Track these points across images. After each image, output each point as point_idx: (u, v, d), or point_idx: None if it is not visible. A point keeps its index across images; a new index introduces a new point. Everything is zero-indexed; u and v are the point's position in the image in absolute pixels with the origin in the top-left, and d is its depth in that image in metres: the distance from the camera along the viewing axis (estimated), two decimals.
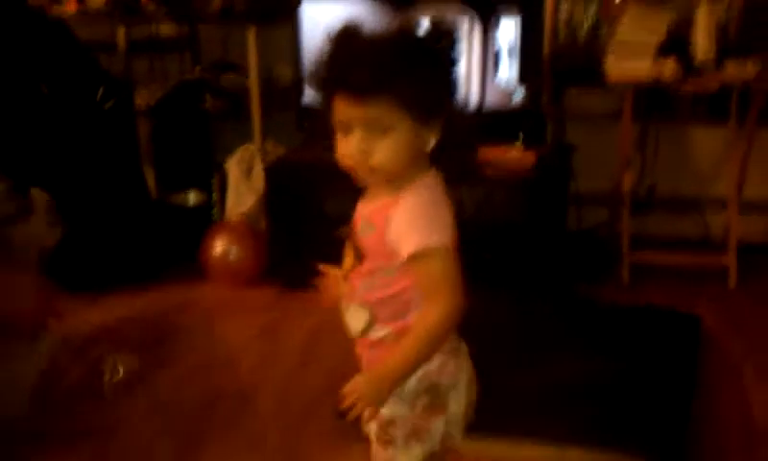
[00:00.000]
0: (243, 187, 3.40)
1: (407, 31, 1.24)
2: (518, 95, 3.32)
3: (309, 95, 3.41)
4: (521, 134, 3.21)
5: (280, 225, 3.33)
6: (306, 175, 3.20)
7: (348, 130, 1.22)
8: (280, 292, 3.25)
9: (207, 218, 3.56)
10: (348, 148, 1.23)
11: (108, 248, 3.27)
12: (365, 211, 1.32)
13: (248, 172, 3.41)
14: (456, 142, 1.26)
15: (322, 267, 1.46)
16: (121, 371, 2.44)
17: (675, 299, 3.10)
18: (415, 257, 1.24)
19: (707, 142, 3.59)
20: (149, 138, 3.60)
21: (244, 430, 2.22)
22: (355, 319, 1.37)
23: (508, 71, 3.28)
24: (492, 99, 3.31)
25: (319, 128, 1.27)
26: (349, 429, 1.99)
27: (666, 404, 2.17)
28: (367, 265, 1.32)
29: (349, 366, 2.63)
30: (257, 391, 2.46)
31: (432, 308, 1.27)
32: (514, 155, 3.18)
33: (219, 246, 3.30)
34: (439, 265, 1.25)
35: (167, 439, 2.18)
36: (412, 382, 1.32)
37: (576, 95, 3.48)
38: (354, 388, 1.28)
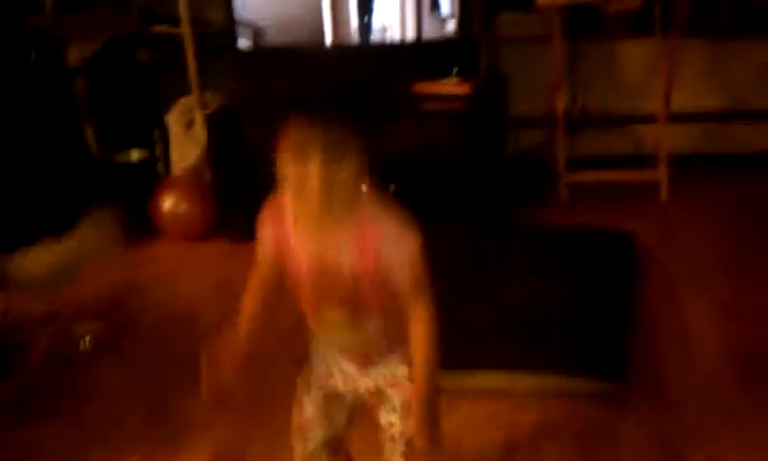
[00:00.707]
0: (185, 141, 3.40)
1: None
2: (451, 24, 3.38)
3: (243, 39, 3.42)
4: (456, 67, 3.27)
5: (226, 175, 3.37)
6: (248, 122, 3.22)
7: (305, 153, 1.22)
8: (232, 243, 3.31)
9: (152, 174, 3.56)
10: (310, 168, 1.22)
11: (51, 211, 3.26)
12: (322, 245, 1.33)
13: (189, 124, 3.41)
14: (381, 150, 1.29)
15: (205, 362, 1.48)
16: (87, 339, 2.49)
17: (611, 215, 3.26)
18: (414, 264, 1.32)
19: (634, 57, 3.70)
20: (85, 96, 3.55)
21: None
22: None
23: (442, 1, 3.34)
24: (428, 30, 3.37)
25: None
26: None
27: (607, 322, 2.32)
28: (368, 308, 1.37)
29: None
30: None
31: (423, 318, 1.36)
32: (449, 87, 3.25)
33: (167, 202, 3.32)
34: (421, 264, 1.34)
35: (139, 399, 2.25)
36: None
37: (507, 20, 3.56)
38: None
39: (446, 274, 2.63)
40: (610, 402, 2.05)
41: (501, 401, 2.09)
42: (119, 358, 2.48)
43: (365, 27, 3.42)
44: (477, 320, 2.35)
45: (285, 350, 2.45)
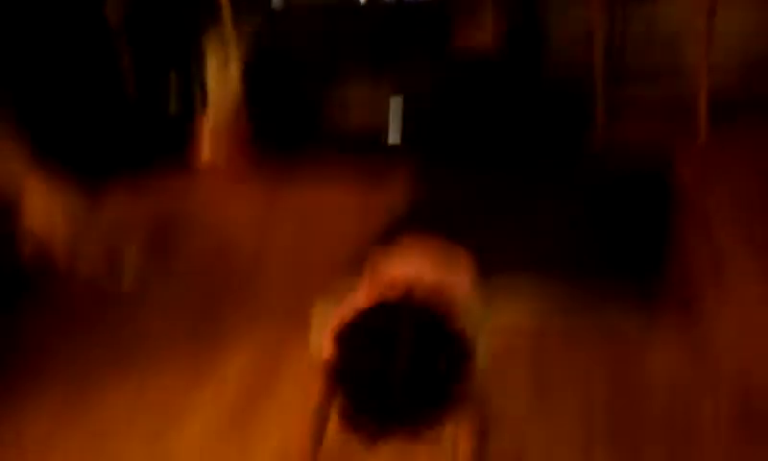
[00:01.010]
0: (221, 78, 3.44)
1: None
2: None
3: None
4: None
5: (264, 114, 3.43)
6: (286, 60, 3.26)
7: None
8: (272, 183, 3.38)
9: (189, 115, 3.57)
10: None
11: (95, 151, 3.31)
12: None
13: (225, 61, 3.44)
14: None
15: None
16: (132, 266, 2.57)
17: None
18: None
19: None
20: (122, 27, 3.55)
21: (256, 304, 2.40)
22: None
23: None
24: None
25: None
26: None
27: (639, 260, 2.35)
28: None
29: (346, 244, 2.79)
30: (262, 270, 2.62)
31: None
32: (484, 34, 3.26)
33: (205, 148, 3.38)
34: None
35: (185, 320, 2.34)
36: None
37: None
38: None
39: (479, 211, 2.71)
40: (639, 339, 2.08)
41: (527, 338, 2.13)
42: (165, 279, 2.57)
43: None
44: (507, 257, 2.39)
45: (328, 270, 2.53)
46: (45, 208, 2.33)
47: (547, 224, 2.56)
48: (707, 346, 1.96)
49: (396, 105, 3.27)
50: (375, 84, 3.32)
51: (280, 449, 1.79)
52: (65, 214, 2.41)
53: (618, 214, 2.64)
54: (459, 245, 1.57)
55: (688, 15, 3.52)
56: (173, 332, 2.24)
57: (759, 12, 3.55)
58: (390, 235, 2.58)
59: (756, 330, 2.05)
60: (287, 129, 3.43)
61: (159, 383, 1.99)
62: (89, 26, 3.30)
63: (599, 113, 3.48)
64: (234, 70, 3.42)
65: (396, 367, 1.25)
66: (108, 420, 1.89)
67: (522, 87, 3.26)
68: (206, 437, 1.82)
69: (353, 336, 1.30)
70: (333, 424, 1.42)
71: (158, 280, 2.54)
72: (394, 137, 3.29)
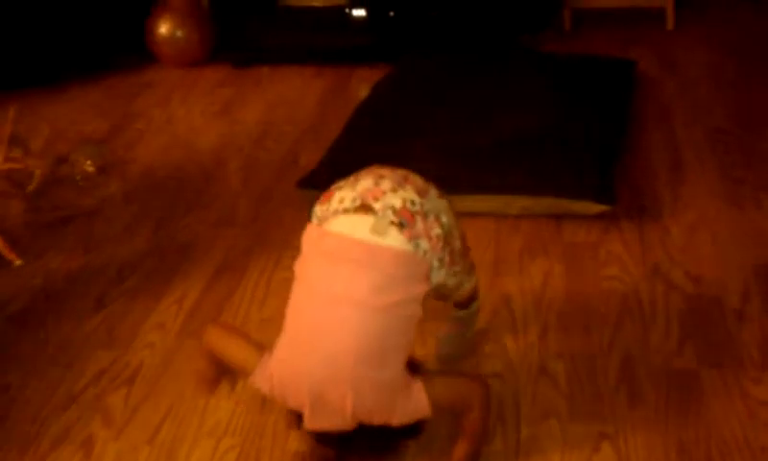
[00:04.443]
0: None
1: None
2: None
3: None
4: None
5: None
6: None
7: None
8: (231, 69, 3.32)
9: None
10: None
11: (50, 39, 3.23)
12: None
13: None
14: None
15: None
16: (89, 163, 2.54)
17: (615, 44, 3.24)
18: None
19: None
20: None
21: (215, 206, 2.39)
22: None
23: None
24: None
25: None
26: (312, 198, 2.17)
27: (599, 146, 2.36)
28: None
29: (308, 138, 2.78)
30: (221, 168, 2.60)
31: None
32: None
33: (163, 27, 3.29)
34: None
35: (145, 219, 2.34)
36: None
37: None
38: None
39: (444, 98, 2.69)
40: (597, 222, 2.12)
41: (491, 223, 2.16)
42: (123, 181, 2.55)
43: None
44: (471, 144, 2.40)
45: (286, 172, 2.53)
46: None
47: (511, 112, 2.56)
48: (658, 255, 2.00)
49: None
50: None
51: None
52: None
53: (580, 99, 2.64)
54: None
55: None
56: (134, 242, 2.23)
57: None
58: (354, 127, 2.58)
59: (708, 227, 2.09)
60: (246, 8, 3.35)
61: (121, 300, 2.00)
62: None
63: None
64: None
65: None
66: (70, 333, 1.91)
67: None
68: (167, 340, 1.84)
69: None
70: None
71: (115, 186, 2.52)
72: (358, 11, 3.22)
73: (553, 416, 1.55)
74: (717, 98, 2.78)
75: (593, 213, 2.12)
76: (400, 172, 1.44)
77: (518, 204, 2.17)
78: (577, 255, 2.03)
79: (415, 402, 1.34)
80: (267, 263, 2.07)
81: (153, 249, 2.20)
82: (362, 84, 3.02)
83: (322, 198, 1.43)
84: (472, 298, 1.67)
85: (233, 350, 1.45)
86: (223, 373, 1.53)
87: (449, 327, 1.72)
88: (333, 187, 1.44)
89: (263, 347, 1.41)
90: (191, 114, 3.02)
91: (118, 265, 2.14)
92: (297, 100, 3.05)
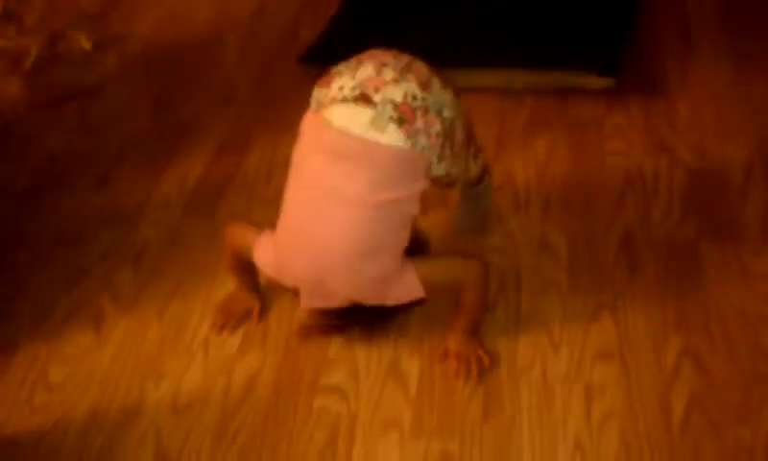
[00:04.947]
0: None
1: None
2: None
3: None
4: None
5: None
6: None
7: None
8: None
9: None
10: None
11: None
12: None
13: None
14: None
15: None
16: (85, 38, 2.49)
17: None
18: None
19: None
20: None
21: (214, 83, 2.36)
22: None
23: None
24: None
25: None
26: (314, 72, 2.13)
27: (605, 18, 2.30)
28: None
29: (307, 10, 2.70)
30: (219, 43, 2.55)
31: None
32: None
33: None
34: None
35: (144, 97, 2.31)
36: None
37: None
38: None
39: None
40: (602, 97, 2.09)
41: (495, 98, 2.13)
42: (120, 58, 2.50)
43: None
44: (473, 17, 2.34)
45: (286, 45, 2.48)
46: None
47: None
48: (662, 128, 1.98)
49: None
50: None
51: None
52: None
53: None
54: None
55: None
56: (135, 120, 2.21)
57: None
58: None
59: (714, 102, 2.07)
60: None
61: (123, 178, 2.00)
62: None
63: None
64: None
65: None
66: (74, 212, 1.91)
67: None
68: (172, 217, 1.85)
69: None
70: None
71: (113, 63, 2.47)
72: None
73: (553, 288, 1.58)
74: None
75: (598, 87, 2.09)
76: (404, 59, 1.40)
77: (522, 77, 2.14)
78: (581, 130, 2.01)
79: (408, 285, 1.36)
80: (270, 139, 2.06)
81: (153, 127, 2.18)
82: None
83: (321, 81, 1.41)
84: (482, 176, 1.67)
85: (241, 236, 1.49)
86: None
87: (464, 202, 1.72)
88: (333, 71, 1.41)
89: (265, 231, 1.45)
90: None
91: (119, 144, 2.13)
92: None
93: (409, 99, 1.33)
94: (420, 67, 1.40)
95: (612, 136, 1.98)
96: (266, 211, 1.65)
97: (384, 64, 1.37)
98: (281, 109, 2.16)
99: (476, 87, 2.06)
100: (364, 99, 1.33)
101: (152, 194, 1.94)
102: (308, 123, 1.41)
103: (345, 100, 1.34)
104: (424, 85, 1.37)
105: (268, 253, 1.42)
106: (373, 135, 1.31)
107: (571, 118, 2.06)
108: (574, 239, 1.69)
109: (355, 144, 1.32)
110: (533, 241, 1.69)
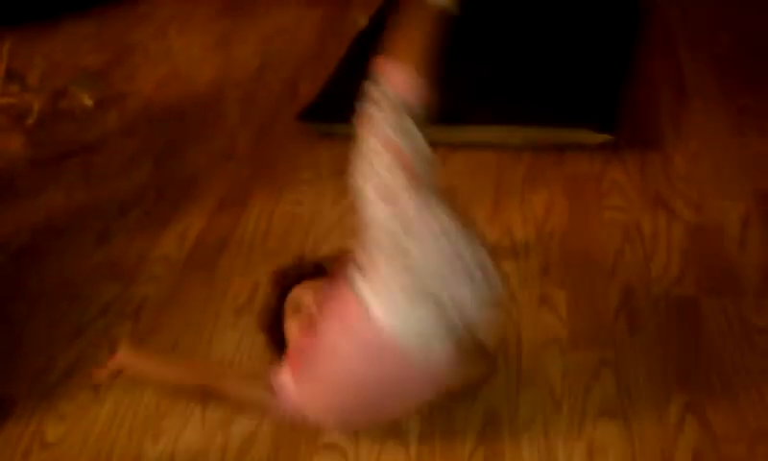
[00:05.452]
0: None
1: None
2: None
3: None
4: None
5: None
6: None
7: None
8: (229, 5, 3.26)
9: None
10: None
11: None
12: None
13: None
14: None
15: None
16: (87, 95, 2.52)
17: None
18: None
19: None
20: None
21: (214, 140, 2.38)
22: None
23: None
24: None
25: None
26: (312, 130, 2.16)
27: (601, 74, 2.33)
28: None
29: (306, 69, 2.74)
30: (220, 101, 2.58)
31: None
32: None
33: None
34: None
35: (145, 154, 2.33)
36: None
37: None
38: None
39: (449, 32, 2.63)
40: (599, 152, 2.11)
41: (493, 154, 2.15)
42: (122, 115, 2.53)
43: None
44: (472, 74, 2.37)
45: (285, 105, 2.51)
46: None
47: (512, 41, 2.52)
48: (660, 185, 2.00)
49: None
50: None
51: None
52: None
53: (582, 29, 2.59)
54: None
55: None
56: (135, 177, 2.23)
57: None
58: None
59: (710, 155, 2.08)
60: None
61: (124, 234, 2.01)
62: None
63: None
64: None
65: None
66: (74, 268, 1.92)
67: None
68: (172, 273, 1.86)
69: None
70: None
71: (114, 120, 2.50)
72: None
73: (554, 344, 1.57)
74: (722, 25, 2.74)
75: (596, 143, 2.11)
76: None
77: (521, 134, 2.16)
78: (579, 186, 2.02)
79: None
80: (269, 196, 2.07)
81: (153, 183, 2.20)
82: (360, 13, 2.98)
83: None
84: None
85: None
86: None
87: None
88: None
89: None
90: (189, 46, 2.98)
91: (120, 200, 2.14)
92: (293, 30, 3.00)
93: None
94: None
95: (609, 192, 1.99)
96: (267, 265, 1.65)
97: None
98: (280, 166, 2.18)
99: (474, 143, 2.07)
100: None
101: (151, 250, 1.94)
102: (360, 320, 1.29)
103: None
104: None
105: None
106: None
107: (569, 174, 2.07)
108: (574, 295, 1.69)
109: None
110: (533, 297, 1.69)
